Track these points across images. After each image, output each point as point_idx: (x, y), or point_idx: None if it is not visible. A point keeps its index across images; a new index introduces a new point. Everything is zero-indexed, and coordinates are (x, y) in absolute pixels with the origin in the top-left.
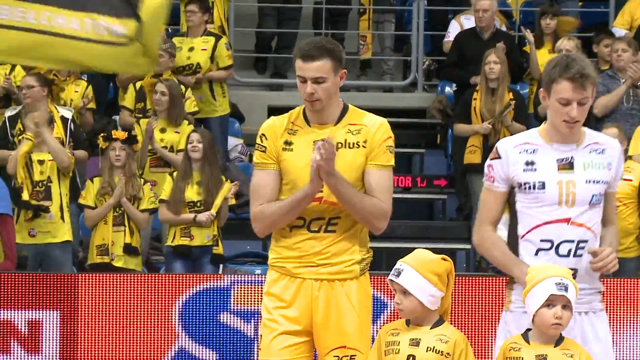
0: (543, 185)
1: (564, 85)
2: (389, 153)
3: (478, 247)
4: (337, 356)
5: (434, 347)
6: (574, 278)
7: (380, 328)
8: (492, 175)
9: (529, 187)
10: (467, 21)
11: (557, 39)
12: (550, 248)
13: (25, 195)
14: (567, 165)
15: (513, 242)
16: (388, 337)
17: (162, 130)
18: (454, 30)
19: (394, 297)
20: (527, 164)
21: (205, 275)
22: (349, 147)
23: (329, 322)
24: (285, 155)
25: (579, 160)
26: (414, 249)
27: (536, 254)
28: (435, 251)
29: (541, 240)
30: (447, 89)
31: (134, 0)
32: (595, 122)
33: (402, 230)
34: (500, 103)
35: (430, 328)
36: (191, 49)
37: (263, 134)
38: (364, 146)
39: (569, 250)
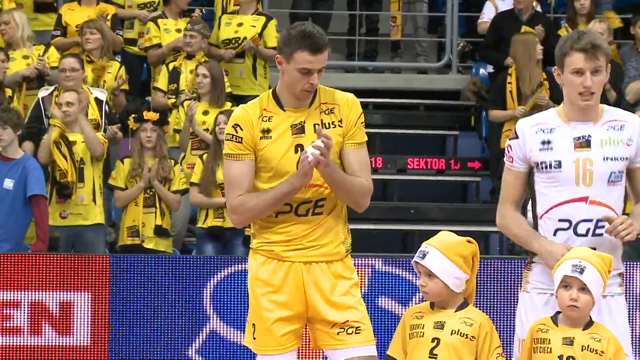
0: (559, 164)
1: (576, 56)
2: (363, 129)
3: (499, 226)
4: (343, 328)
5: (458, 330)
6: None
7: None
8: (511, 155)
9: (546, 167)
10: (502, 2)
11: (590, 20)
12: (569, 228)
13: (69, 178)
14: (584, 143)
15: (534, 222)
16: (412, 320)
17: (205, 113)
18: (488, 11)
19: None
20: (544, 143)
21: (236, 257)
22: (326, 128)
23: (325, 300)
24: (264, 143)
25: (596, 137)
26: (447, 231)
27: (555, 234)
28: (469, 234)
29: (559, 220)
30: (482, 71)
31: None
32: (629, 108)
33: (435, 213)
34: (534, 84)
35: (455, 311)
36: (240, 24)
37: (237, 124)
38: (339, 125)
39: (587, 230)
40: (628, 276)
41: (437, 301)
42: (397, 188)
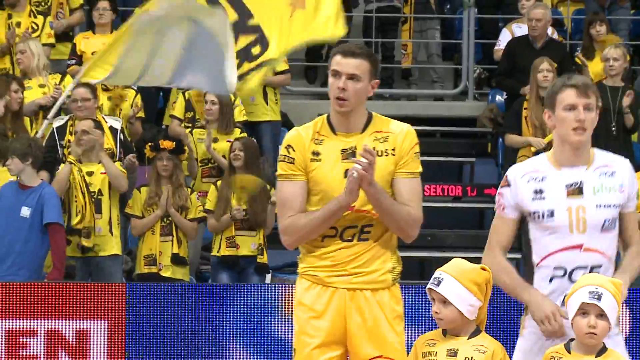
0: (552, 214)
1: (567, 92)
2: (417, 160)
3: (490, 268)
4: None
5: (472, 358)
6: None
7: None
8: (503, 202)
9: (539, 216)
10: (519, 29)
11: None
12: (564, 275)
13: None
14: (577, 190)
15: (529, 271)
16: (424, 348)
17: (214, 140)
18: (504, 38)
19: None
20: (536, 192)
21: (252, 285)
22: (378, 155)
23: (363, 331)
24: (313, 165)
25: (588, 184)
26: (464, 258)
27: (550, 281)
28: None
29: (555, 268)
30: (498, 98)
31: None
32: None
33: (452, 240)
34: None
35: (468, 338)
36: None
37: (289, 145)
38: (392, 154)
39: (590, 273)
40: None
41: (450, 328)
42: None
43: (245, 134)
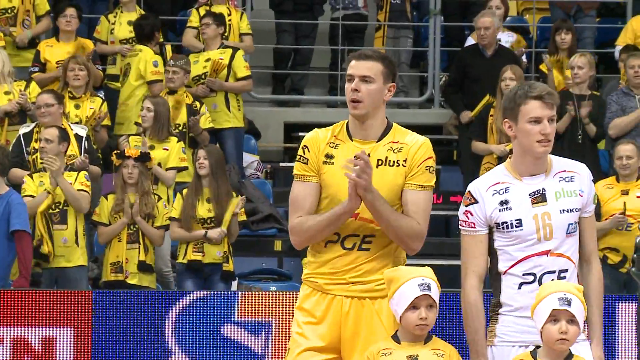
0: (520, 223)
1: (532, 104)
2: (429, 173)
3: (463, 301)
4: None
5: None
6: None
7: None
8: (472, 221)
9: (507, 226)
10: None
11: (572, 54)
12: (534, 281)
13: (44, 249)
14: (540, 197)
15: (494, 278)
16: (380, 358)
17: (151, 147)
18: None
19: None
20: (502, 203)
21: (218, 292)
22: (390, 165)
23: (358, 339)
24: (325, 168)
25: (550, 190)
26: (429, 265)
27: (519, 287)
28: (452, 268)
29: (524, 274)
30: None
31: None
32: (611, 141)
33: None
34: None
35: (424, 343)
36: (207, 60)
37: (305, 146)
38: (403, 165)
39: (552, 280)
40: (611, 309)
41: (414, 335)
42: None
43: (181, 143)
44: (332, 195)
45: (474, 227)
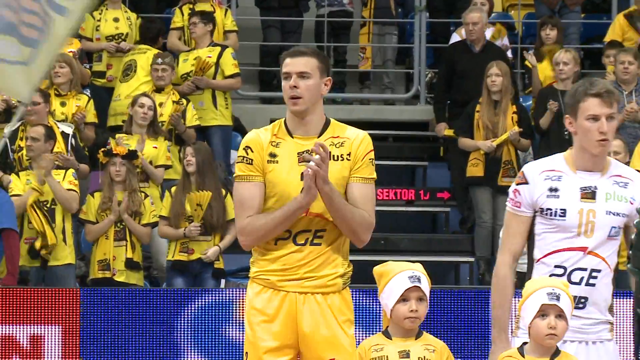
0: (564, 213)
1: (591, 101)
2: (372, 166)
3: (494, 275)
4: None
5: (424, 357)
6: (583, 307)
7: None
8: (519, 200)
9: (551, 214)
10: None
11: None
12: (563, 274)
13: (48, 240)
14: (590, 194)
15: (529, 264)
16: (372, 354)
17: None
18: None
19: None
20: (551, 190)
21: (206, 289)
22: (334, 160)
23: (315, 335)
24: (271, 167)
25: (602, 190)
26: (417, 262)
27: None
28: (439, 264)
29: (555, 266)
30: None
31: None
32: None
33: (405, 244)
34: (504, 116)
35: (415, 339)
36: (196, 58)
37: (248, 146)
38: (347, 159)
39: (581, 278)
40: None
41: (405, 330)
42: None
43: (167, 141)
44: (281, 192)
45: (519, 207)
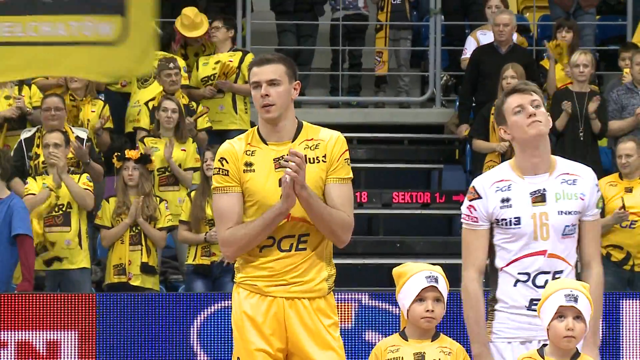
0: (519, 221)
1: (511, 98)
2: (347, 166)
3: (463, 291)
4: None
5: (439, 359)
6: None
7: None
8: (476, 215)
9: (506, 223)
10: (483, 36)
11: (574, 51)
12: (528, 280)
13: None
14: (540, 197)
15: (492, 273)
16: (388, 355)
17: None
18: (470, 46)
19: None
20: (503, 200)
21: (223, 293)
22: (310, 162)
23: (307, 335)
24: (247, 176)
25: (550, 191)
26: (433, 265)
27: (515, 284)
28: (454, 267)
29: (519, 273)
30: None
31: None
32: (613, 139)
33: (420, 247)
34: None
35: (431, 341)
36: (217, 62)
37: (223, 158)
38: (323, 161)
39: (546, 281)
40: (613, 307)
41: (421, 331)
42: (382, 222)
43: (195, 144)
44: (260, 201)
45: (477, 222)
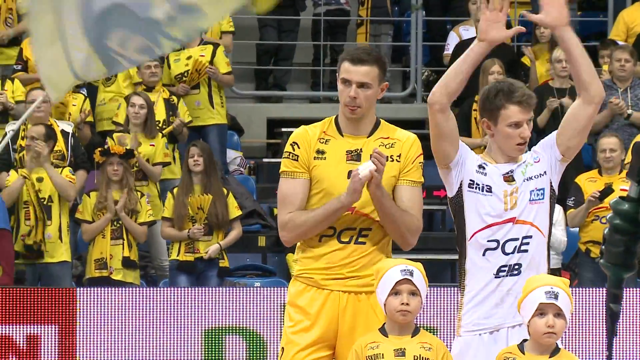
0: (490, 189)
1: (512, 109)
2: (420, 169)
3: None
4: None
5: (420, 356)
6: (519, 274)
7: None
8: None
9: (478, 187)
10: (466, 32)
11: (554, 47)
12: (497, 247)
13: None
14: (510, 177)
15: (460, 242)
16: (367, 352)
17: (139, 144)
18: (452, 41)
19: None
20: (480, 167)
21: (206, 289)
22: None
23: (355, 334)
24: (317, 163)
25: (517, 173)
26: (413, 260)
27: (484, 254)
28: (435, 262)
29: (488, 241)
30: None
31: None
32: (593, 135)
33: None
34: None
35: (412, 337)
36: (189, 57)
37: (295, 142)
38: (397, 160)
39: (514, 248)
40: (600, 302)
41: (404, 326)
42: None
43: (165, 139)
44: (326, 189)
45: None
